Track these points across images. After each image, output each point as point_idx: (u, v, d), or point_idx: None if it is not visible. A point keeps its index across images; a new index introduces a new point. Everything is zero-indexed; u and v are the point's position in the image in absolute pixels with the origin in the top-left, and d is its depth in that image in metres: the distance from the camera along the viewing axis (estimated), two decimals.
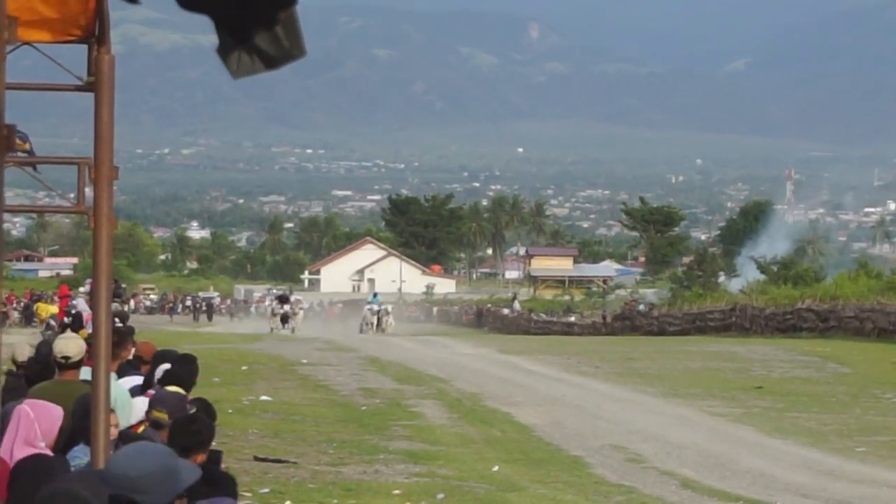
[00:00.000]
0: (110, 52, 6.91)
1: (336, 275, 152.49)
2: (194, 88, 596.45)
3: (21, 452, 7.63)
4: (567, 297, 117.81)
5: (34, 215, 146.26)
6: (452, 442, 20.20)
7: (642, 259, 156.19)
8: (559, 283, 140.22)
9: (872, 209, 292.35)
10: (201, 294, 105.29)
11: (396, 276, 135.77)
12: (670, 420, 23.49)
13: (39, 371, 10.42)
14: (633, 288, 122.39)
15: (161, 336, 36.67)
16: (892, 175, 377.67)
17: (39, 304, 64.38)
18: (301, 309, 63.67)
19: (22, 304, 69.54)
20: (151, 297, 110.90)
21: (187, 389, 10.29)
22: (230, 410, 21.67)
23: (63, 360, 9.85)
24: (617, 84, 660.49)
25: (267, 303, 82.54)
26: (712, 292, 73.80)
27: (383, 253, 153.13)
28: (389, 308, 68.69)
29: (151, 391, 10.11)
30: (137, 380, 11.27)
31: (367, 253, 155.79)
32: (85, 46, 7.15)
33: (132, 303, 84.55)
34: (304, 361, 33.52)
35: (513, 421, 22.94)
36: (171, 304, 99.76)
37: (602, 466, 18.28)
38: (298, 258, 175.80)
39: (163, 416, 8.75)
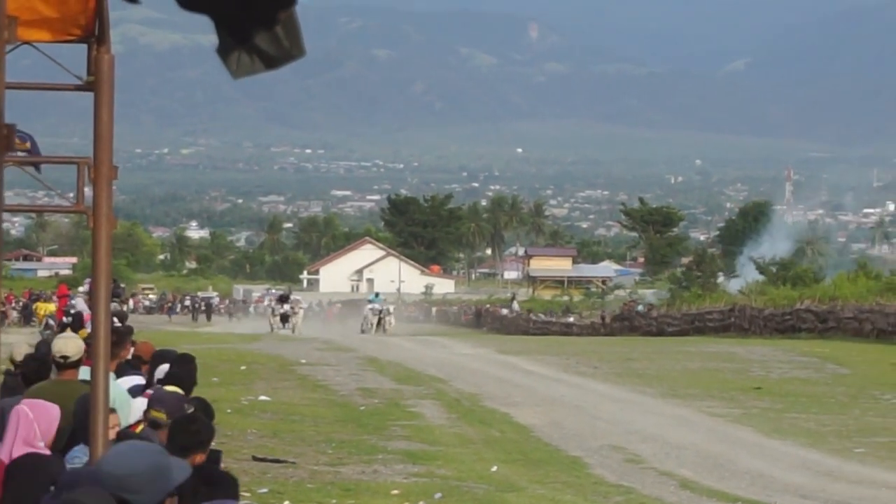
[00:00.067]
0: (110, 52, 6.92)
1: (335, 275, 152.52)
2: (194, 88, 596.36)
3: (20, 453, 7.63)
4: (566, 298, 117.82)
5: (33, 215, 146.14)
6: (451, 442, 20.19)
7: (641, 259, 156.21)
8: (558, 283, 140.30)
9: (872, 210, 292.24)
10: (200, 294, 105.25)
11: (395, 276, 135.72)
12: (669, 420, 23.48)
13: (36, 370, 10.39)
14: (632, 288, 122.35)
15: (160, 336, 36.67)
16: (892, 176, 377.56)
17: (38, 303, 64.35)
18: (301, 309, 63.66)
19: (21, 304, 69.55)
20: (150, 296, 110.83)
21: (188, 391, 10.28)
22: (229, 410, 21.65)
23: (62, 360, 9.83)
24: (617, 84, 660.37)
25: (266, 302, 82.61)
26: (711, 293, 73.83)
27: (382, 253, 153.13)
28: (391, 308, 68.61)
29: (150, 391, 10.11)
30: (138, 379, 11.26)
31: (366, 253, 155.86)
32: (85, 46, 7.15)
33: (131, 302, 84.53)
34: (303, 361, 33.51)
35: (511, 421, 22.93)
36: (169, 304, 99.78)
37: (601, 467, 18.27)
38: (297, 258, 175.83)
39: (161, 415, 8.74)
